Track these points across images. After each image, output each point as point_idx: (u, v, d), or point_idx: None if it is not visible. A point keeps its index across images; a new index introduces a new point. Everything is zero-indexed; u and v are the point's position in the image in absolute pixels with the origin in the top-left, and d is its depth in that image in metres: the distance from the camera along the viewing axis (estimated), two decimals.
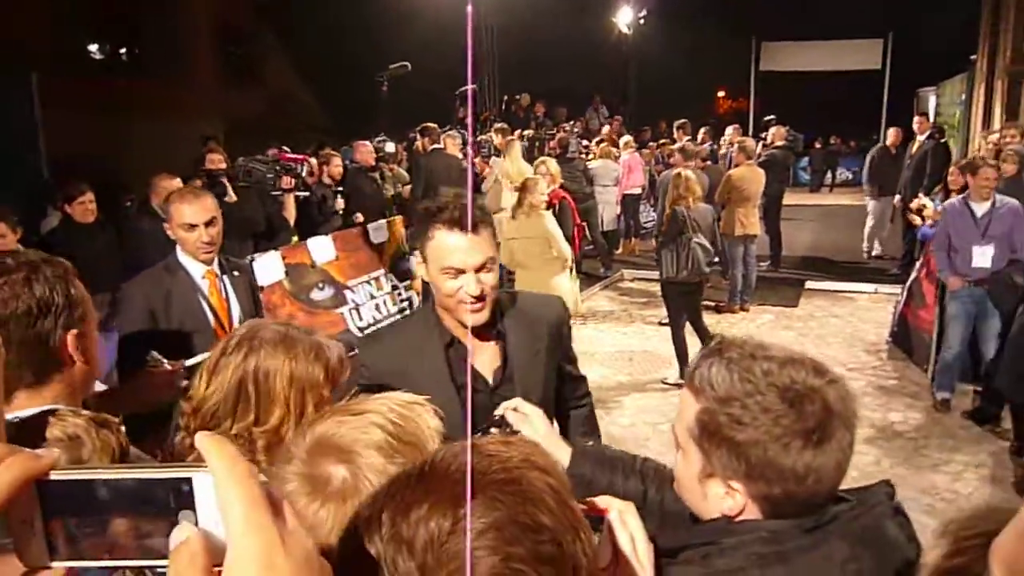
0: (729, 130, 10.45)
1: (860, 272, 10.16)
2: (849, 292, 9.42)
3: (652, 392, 6.38)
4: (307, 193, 6.21)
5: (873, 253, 10.87)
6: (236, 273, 3.14)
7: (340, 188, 7.60)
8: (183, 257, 2.98)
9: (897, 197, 9.57)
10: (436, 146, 7.67)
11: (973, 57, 13.77)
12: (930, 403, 5.96)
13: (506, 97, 13.65)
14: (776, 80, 23.08)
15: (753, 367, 1.07)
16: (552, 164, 6.90)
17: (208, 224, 2.93)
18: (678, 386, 6.37)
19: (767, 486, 1.05)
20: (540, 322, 2.05)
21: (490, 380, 1.95)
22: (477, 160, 8.88)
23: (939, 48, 17.43)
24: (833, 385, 1.08)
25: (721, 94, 32.69)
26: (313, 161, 7.15)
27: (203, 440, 0.49)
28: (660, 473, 1.49)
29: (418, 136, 7.76)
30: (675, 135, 10.98)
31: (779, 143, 10.00)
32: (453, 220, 1.80)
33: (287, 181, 5.50)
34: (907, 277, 7.57)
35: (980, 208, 5.53)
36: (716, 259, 9.09)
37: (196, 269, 2.98)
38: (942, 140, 9.50)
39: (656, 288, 9.75)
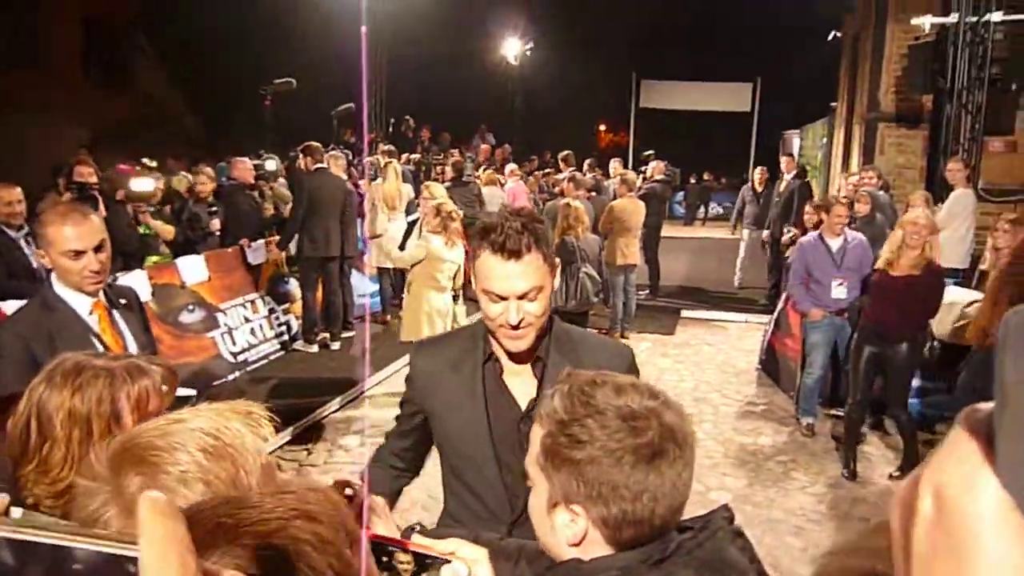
0: (613, 163, 10.76)
1: (732, 302, 10.63)
2: (722, 321, 9.83)
3: None
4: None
5: (743, 284, 11.40)
6: (123, 301, 2.67)
7: (214, 208, 7.26)
8: (61, 289, 2.49)
9: (766, 232, 10.12)
10: (320, 166, 7.47)
11: (833, 104, 14.86)
12: (796, 427, 6.25)
13: (393, 120, 13.55)
14: (654, 116, 24.09)
15: (594, 392, 1.10)
16: (437, 188, 6.85)
17: (97, 249, 2.46)
18: None
19: (605, 507, 1.06)
20: (591, 364, 1.94)
21: (522, 406, 1.84)
22: (362, 182, 8.73)
23: (803, 94, 18.75)
24: (668, 407, 1.12)
25: (602, 128, 33.83)
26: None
27: (142, 506, 0.41)
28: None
29: (300, 155, 7.54)
30: (560, 166, 11.19)
31: (658, 177, 10.38)
32: (498, 244, 1.69)
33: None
34: (774, 307, 7.99)
35: (834, 243, 5.91)
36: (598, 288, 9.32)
37: (81, 303, 2.51)
38: (806, 179, 10.14)
39: None
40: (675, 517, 1.10)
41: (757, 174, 10.89)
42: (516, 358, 1.85)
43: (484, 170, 11.90)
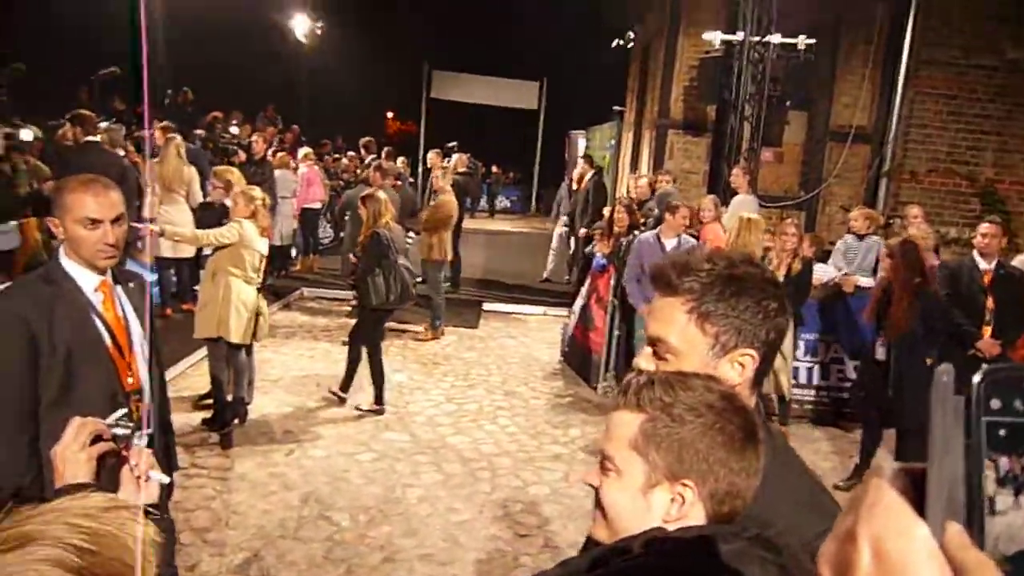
0: (431, 154, 10.54)
1: (530, 295, 10.85)
2: (522, 314, 10.00)
3: (347, 420, 6.04)
4: None
5: (545, 276, 11.68)
6: (131, 285, 2.49)
7: None
8: (68, 264, 2.33)
9: (564, 226, 10.45)
10: (91, 139, 6.51)
11: (617, 107, 15.70)
12: (602, 418, 6.45)
13: (169, 91, 12.27)
14: (445, 108, 24.14)
15: (690, 381, 1.13)
16: (235, 172, 6.24)
17: (115, 221, 2.32)
18: (373, 412, 6.13)
19: (715, 480, 1.09)
20: None
21: None
22: (139, 160, 7.79)
23: (588, 96, 19.65)
24: (746, 405, 1.16)
25: (391, 115, 33.41)
26: None
27: None
28: None
29: (68, 124, 6.52)
30: (361, 153, 10.77)
31: (461, 170, 10.32)
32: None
33: None
34: (573, 301, 8.22)
35: (669, 243, 6.16)
36: (419, 280, 9.09)
37: (87, 280, 2.34)
38: (601, 179, 10.59)
39: (338, 307, 9.50)
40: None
41: (576, 171, 11.14)
42: None
43: (275, 153, 11.16)
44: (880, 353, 5.22)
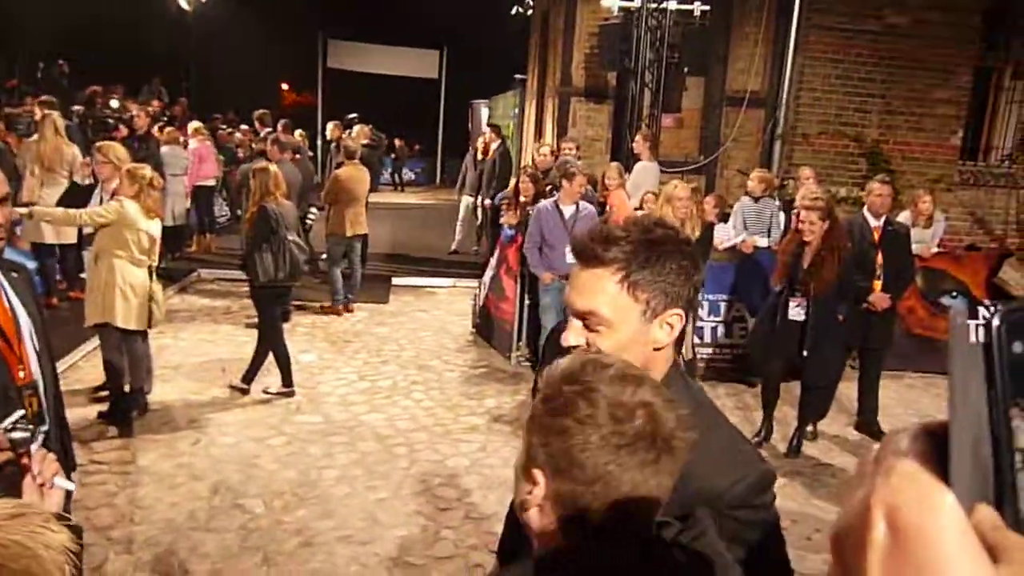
0: (330, 126, 10.18)
1: (439, 267, 10.76)
2: (432, 287, 9.90)
3: (255, 405, 5.83)
4: None
5: (453, 248, 11.58)
6: (15, 274, 2.31)
7: None
8: None
9: (470, 196, 10.35)
10: None
11: (518, 76, 15.63)
12: (516, 387, 6.47)
13: (42, 64, 11.43)
14: (343, 78, 23.47)
15: (597, 372, 1.07)
16: (119, 149, 5.84)
17: (3, 201, 2.18)
18: (282, 395, 5.95)
19: (560, 481, 1.05)
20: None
21: None
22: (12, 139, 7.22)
23: (489, 65, 19.49)
24: (668, 410, 1.06)
25: (286, 86, 32.27)
26: None
27: None
28: None
29: None
30: (256, 126, 10.34)
31: (364, 142, 10.05)
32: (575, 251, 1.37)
33: None
34: (482, 272, 8.20)
35: (567, 211, 6.17)
36: (323, 256, 8.84)
37: None
38: (506, 148, 10.54)
39: (239, 288, 9.14)
40: (639, 518, 1.06)
41: (480, 142, 11.00)
42: None
43: (162, 128, 10.58)
44: (797, 313, 5.28)
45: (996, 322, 0.33)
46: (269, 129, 9.91)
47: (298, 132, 11.14)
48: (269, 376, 6.08)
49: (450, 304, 9.16)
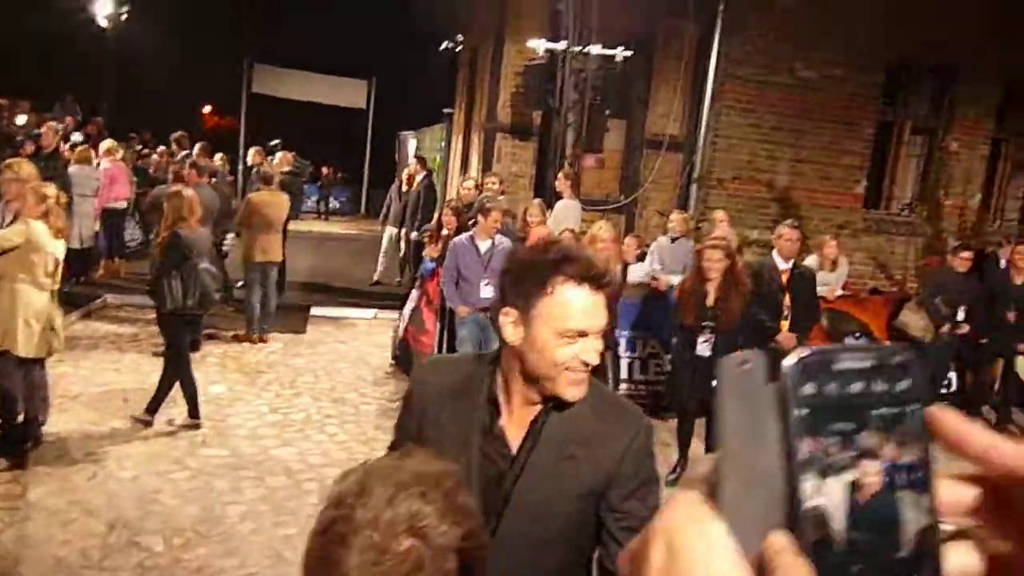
0: (252, 151, 9.98)
1: (360, 298, 10.62)
2: (352, 318, 9.76)
3: (158, 437, 5.60)
4: None
5: (375, 279, 11.47)
6: None
7: None
8: None
9: (394, 228, 10.30)
10: None
11: (446, 110, 15.73)
12: None
13: None
14: (268, 104, 23.11)
15: (371, 486, 1.00)
16: (27, 167, 5.59)
17: None
18: (188, 427, 5.73)
19: None
20: (589, 424, 1.65)
21: (512, 449, 1.66)
22: None
23: (418, 97, 19.57)
24: (449, 517, 0.99)
25: (208, 110, 31.63)
26: None
27: None
28: None
29: None
30: (173, 148, 10.07)
31: (285, 168, 9.91)
32: (586, 276, 1.53)
33: None
34: (403, 304, 8.13)
35: (483, 245, 6.19)
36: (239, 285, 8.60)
37: None
38: (432, 180, 10.56)
39: (147, 315, 8.79)
40: None
41: (405, 173, 10.98)
42: (528, 407, 1.65)
43: (73, 147, 10.19)
44: (704, 349, 5.47)
45: (789, 364, 0.36)
46: (186, 152, 9.68)
47: (218, 156, 10.91)
48: (174, 407, 5.86)
49: (370, 336, 9.04)
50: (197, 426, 5.79)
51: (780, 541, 0.35)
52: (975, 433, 0.37)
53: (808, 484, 0.35)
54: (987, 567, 0.37)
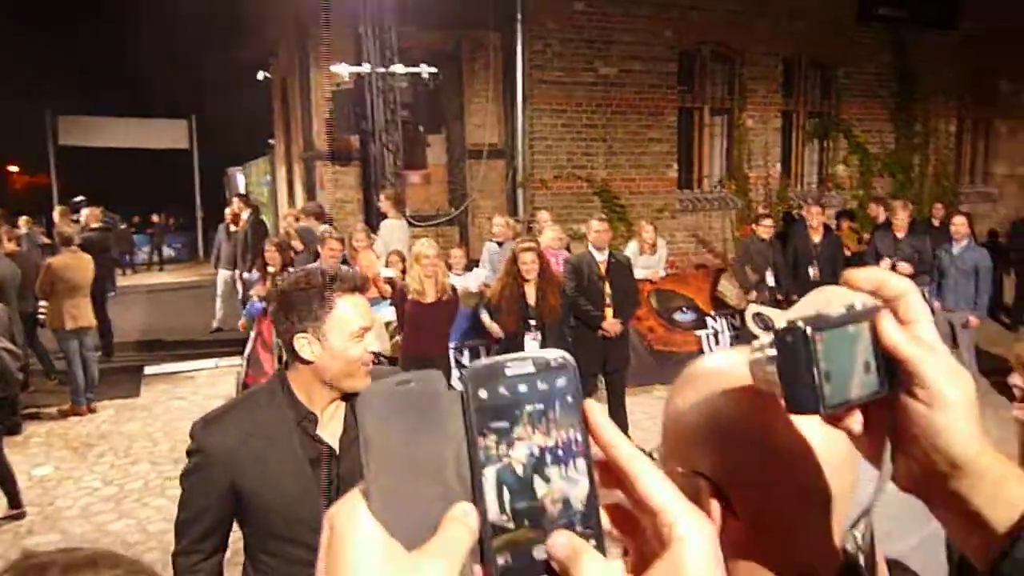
0: (55, 212, 9.30)
1: (200, 348, 10.18)
2: (190, 371, 9.33)
3: None
4: None
5: (215, 326, 11.03)
6: None
7: None
8: None
9: (226, 270, 9.92)
10: None
11: (271, 141, 15.36)
12: None
13: None
14: (80, 155, 21.75)
15: None
16: None
17: None
18: (10, 518, 5.32)
19: None
20: None
21: (336, 448, 1.93)
22: None
23: (240, 131, 18.98)
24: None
25: (15, 169, 29.39)
26: None
27: None
28: None
29: None
30: None
31: (94, 224, 9.36)
32: (355, 287, 1.89)
33: None
34: (244, 348, 7.88)
35: None
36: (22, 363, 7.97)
37: None
38: (259, 217, 10.28)
39: None
40: None
41: (229, 212, 10.59)
42: (334, 410, 1.96)
43: None
44: (533, 347, 5.70)
45: (464, 375, 0.44)
46: None
47: (23, 219, 10.17)
48: None
49: (212, 387, 8.68)
50: (21, 515, 5.39)
51: (456, 511, 0.42)
52: (605, 427, 0.45)
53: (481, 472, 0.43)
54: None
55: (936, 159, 13.03)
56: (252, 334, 7.74)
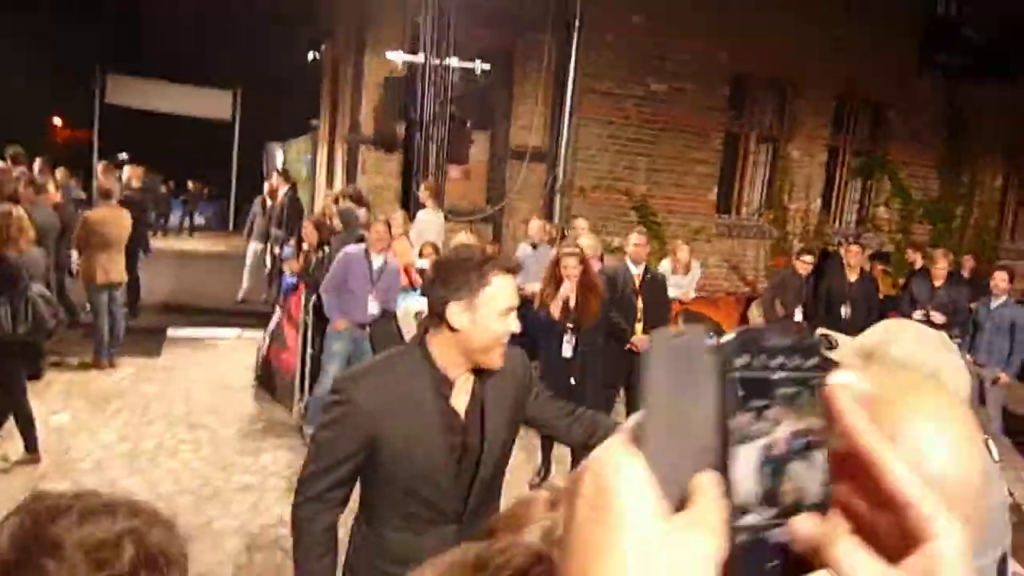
0: (99, 167, 9.40)
1: (223, 317, 10.23)
2: (213, 339, 9.38)
3: None
4: None
5: (240, 297, 11.09)
6: None
7: None
8: None
9: (259, 243, 9.99)
10: None
11: (313, 120, 15.45)
12: (299, 440, 6.27)
13: None
14: (125, 116, 21.95)
15: (51, 523, 0.95)
16: None
17: None
18: (25, 462, 5.37)
19: None
20: (505, 370, 2.09)
21: (462, 414, 2.05)
22: None
23: (284, 108, 19.08)
24: (154, 524, 1.02)
25: (58, 121, 29.74)
26: None
27: None
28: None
29: None
30: (7, 163, 9.39)
31: (135, 184, 9.44)
32: (509, 268, 2.02)
33: None
34: (268, 321, 7.92)
35: (376, 261, 6.16)
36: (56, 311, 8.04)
37: None
38: (296, 194, 10.34)
39: None
40: None
41: (267, 186, 10.67)
42: (465, 380, 2.07)
43: None
44: (567, 350, 5.70)
45: (727, 339, 0.43)
46: (23, 168, 9.05)
47: (60, 170, 10.27)
48: (9, 442, 5.47)
49: (232, 356, 8.72)
50: (36, 460, 5.43)
51: (707, 480, 0.40)
52: (854, 413, 0.42)
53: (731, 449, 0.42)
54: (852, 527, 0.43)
55: (979, 212, 12.85)
56: (278, 308, 7.79)
